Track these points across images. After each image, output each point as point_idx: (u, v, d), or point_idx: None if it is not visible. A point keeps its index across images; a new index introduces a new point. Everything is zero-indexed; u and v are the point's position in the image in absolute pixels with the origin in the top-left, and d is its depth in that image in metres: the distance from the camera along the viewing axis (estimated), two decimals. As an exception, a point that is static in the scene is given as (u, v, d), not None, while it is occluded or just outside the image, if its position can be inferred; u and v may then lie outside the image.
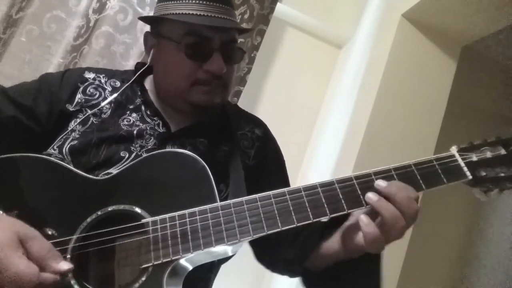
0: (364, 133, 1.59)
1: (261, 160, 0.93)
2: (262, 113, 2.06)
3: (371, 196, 0.66)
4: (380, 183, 0.66)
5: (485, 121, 2.41)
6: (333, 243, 0.72)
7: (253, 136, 0.95)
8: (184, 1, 0.82)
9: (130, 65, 1.70)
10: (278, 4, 1.90)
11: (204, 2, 0.82)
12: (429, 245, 2.29)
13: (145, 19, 0.99)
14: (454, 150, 0.72)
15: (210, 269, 0.86)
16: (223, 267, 0.95)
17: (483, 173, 0.69)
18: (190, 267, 0.70)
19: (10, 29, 1.69)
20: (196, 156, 0.73)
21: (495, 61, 2.17)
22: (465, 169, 0.69)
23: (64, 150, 0.80)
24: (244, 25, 1.79)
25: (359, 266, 0.70)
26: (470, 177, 0.69)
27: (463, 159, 0.70)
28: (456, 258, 2.51)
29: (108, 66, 1.68)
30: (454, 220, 2.49)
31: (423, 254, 2.23)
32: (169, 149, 0.81)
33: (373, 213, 0.66)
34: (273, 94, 2.04)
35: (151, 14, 1.75)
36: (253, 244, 0.91)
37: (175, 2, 0.83)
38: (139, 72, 0.92)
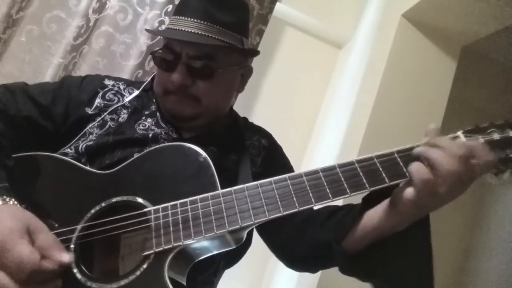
0: (364, 133, 1.59)
1: (267, 167, 0.96)
2: (261, 113, 2.07)
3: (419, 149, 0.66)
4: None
5: (485, 121, 2.41)
6: (376, 214, 0.71)
7: (260, 145, 1.00)
8: (176, 18, 0.89)
9: (130, 65, 1.70)
10: (278, 4, 1.90)
11: (191, 19, 0.87)
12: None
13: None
14: (459, 132, 0.70)
15: (214, 273, 0.88)
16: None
17: None
18: (196, 256, 0.70)
19: (10, 29, 1.69)
20: (198, 148, 0.75)
21: (495, 61, 2.17)
22: None
23: (80, 150, 0.84)
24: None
25: (406, 233, 0.69)
26: None
27: (468, 140, 0.68)
28: (456, 259, 2.51)
29: (108, 66, 1.68)
30: (456, 216, 2.49)
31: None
32: (172, 143, 0.83)
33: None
34: (272, 94, 2.04)
35: (151, 13, 1.76)
36: (273, 238, 0.92)
37: (173, 17, 0.90)
38: (146, 82, 0.99)
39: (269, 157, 0.99)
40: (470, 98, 2.39)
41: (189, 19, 0.86)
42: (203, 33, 0.86)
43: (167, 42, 0.90)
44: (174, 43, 0.88)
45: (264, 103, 2.02)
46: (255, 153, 0.98)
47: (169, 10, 1.71)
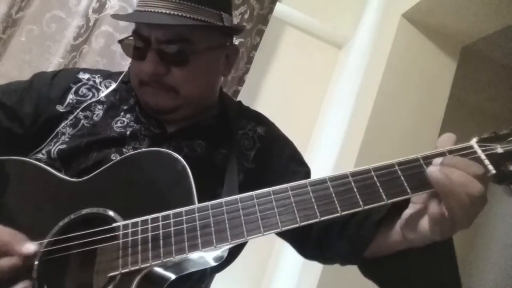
0: (364, 133, 1.59)
1: (262, 163, 0.86)
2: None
3: (432, 169, 0.55)
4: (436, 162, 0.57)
5: (485, 121, 2.41)
6: (392, 233, 0.64)
7: (254, 135, 0.89)
8: None
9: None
10: (278, 4, 1.90)
11: None
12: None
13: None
14: (473, 141, 0.61)
15: (201, 280, 0.80)
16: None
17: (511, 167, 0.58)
18: (170, 277, 0.63)
19: (10, 29, 1.69)
20: (177, 156, 0.68)
21: (495, 61, 2.17)
22: (487, 162, 0.58)
23: (52, 155, 0.76)
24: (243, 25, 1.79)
25: (428, 250, 0.61)
26: (494, 171, 0.58)
27: (483, 150, 0.59)
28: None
29: (108, 66, 1.68)
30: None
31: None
32: (149, 148, 0.76)
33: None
34: (272, 94, 2.04)
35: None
36: (293, 241, 0.86)
37: None
38: (125, 72, 0.89)
39: (265, 149, 0.87)
40: (470, 98, 2.39)
41: None
42: (173, 13, 0.74)
43: (136, 27, 0.79)
44: (142, 27, 0.77)
45: (264, 103, 2.02)
46: (248, 145, 0.86)
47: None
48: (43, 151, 0.78)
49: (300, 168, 0.88)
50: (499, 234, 2.36)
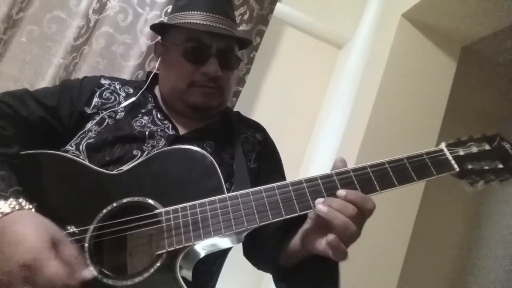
0: (364, 133, 1.59)
1: (261, 164, 0.99)
2: (261, 113, 2.07)
3: (321, 207, 0.69)
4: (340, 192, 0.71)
5: (485, 121, 2.41)
6: (295, 242, 0.78)
7: (254, 140, 1.01)
8: (190, 13, 0.93)
9: (130, 65, 1.71)
10: (278, 4, 1.90)
11: (207, 14, 0.92)
12: (430, 245, 2.30)
13: (155, 28, 1.06)
14: (443, 145, 0.78)
15: (214, 263, 0.91)
16: (224, 267, 0.95)
17: (470, 166, 0.76)
18: (202, 254, 0.75)
19: (10, 30, 1.69)
20: (204, 152, 0.79)
21: (495, 61, 2.17)
22: (453, 162, 0.75)
23: (81, 147, 0.87)
24: (243, 26, 1.80)
25: (319, 264, 0.75)
26: (458, 169, 0.75)
27: (450, 153, 0.77)
28: (456, 257, 2.51)
29: (109, 67, 1.69)
30: (454, 220, 2.49)
31: (423, 253, 2.23)
32: (179, 146, 0.86)
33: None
34: (272, 95, 2.04)
35: (151, 14, 1.76)
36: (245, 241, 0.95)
37: (183, 13, 0.94)
38: (151, 76, 1.02)
39: (263, 152, 1.01)
40: (470, 98, 2.39)
41: (207, 14, 0.92)
42: (226, 28, 0.93)
43: (192, 35, 0.92)
44: (203, 36, 0.91)
45: (264, 103, 2.02)
46: (249, 148, 0.99)
47: (169, 10, 1.71)
48: (72, 144, 0.88)
49: (278, 178, 1.04)
50: (499, 222, 2.37)
